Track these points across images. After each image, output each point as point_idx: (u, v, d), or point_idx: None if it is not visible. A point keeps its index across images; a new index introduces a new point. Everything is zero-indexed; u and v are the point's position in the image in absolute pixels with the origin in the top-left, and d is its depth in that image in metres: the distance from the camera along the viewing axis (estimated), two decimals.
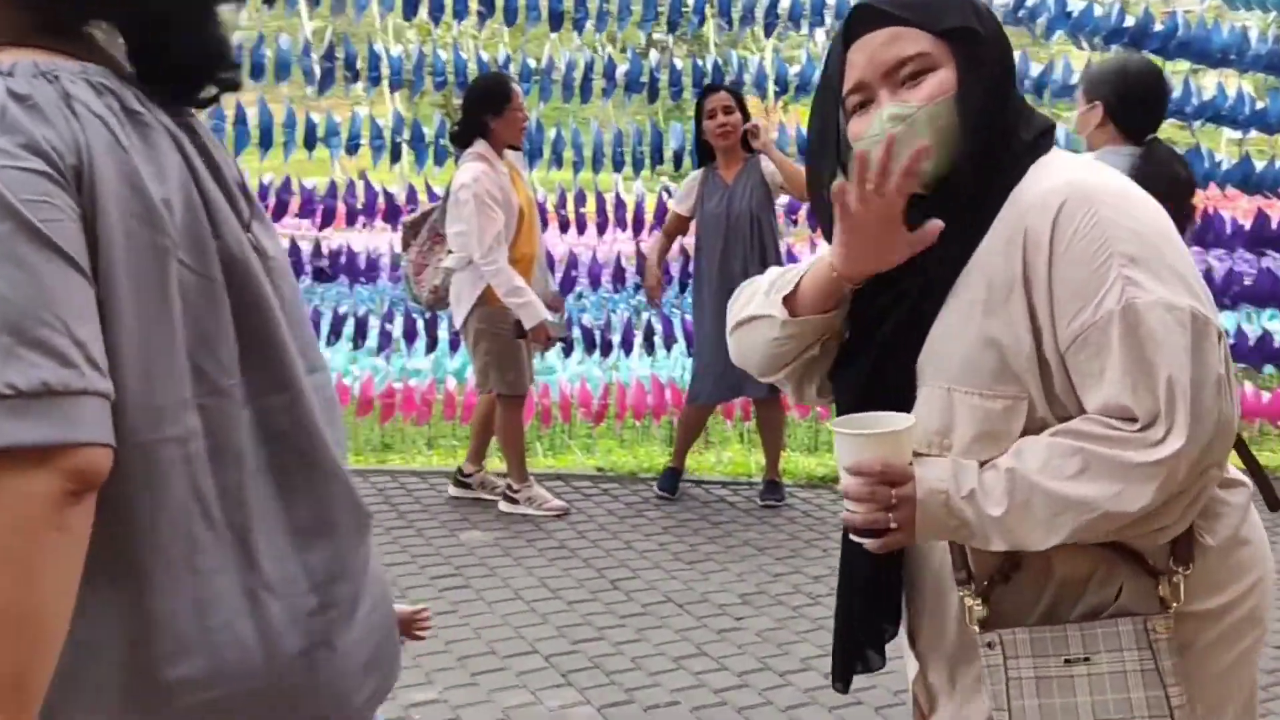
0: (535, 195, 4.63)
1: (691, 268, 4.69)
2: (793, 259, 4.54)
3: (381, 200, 4.93)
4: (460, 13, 4.76)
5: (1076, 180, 1.27)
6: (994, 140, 1.30)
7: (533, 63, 4.89)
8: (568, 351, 5.32)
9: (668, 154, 5.06)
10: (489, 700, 3.00)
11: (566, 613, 3.58)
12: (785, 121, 5.77)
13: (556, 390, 5.39)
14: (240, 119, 4.70)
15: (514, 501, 4.50)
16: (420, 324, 5.14)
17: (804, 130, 4.90)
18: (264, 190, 4.83)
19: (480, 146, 4.21)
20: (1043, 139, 1.34)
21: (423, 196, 4.88)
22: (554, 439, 5.56)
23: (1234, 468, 1.39)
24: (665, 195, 5.05)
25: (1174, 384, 1.19)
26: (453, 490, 4.64)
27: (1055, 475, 1.22)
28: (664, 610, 3.61)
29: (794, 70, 5.02)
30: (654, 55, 5.12)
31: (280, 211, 4.89)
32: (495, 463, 4.79)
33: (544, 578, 3.86)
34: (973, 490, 1.25)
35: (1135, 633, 1.26)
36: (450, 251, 4.23)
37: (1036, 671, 1.28)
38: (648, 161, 5.00)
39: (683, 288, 5.10)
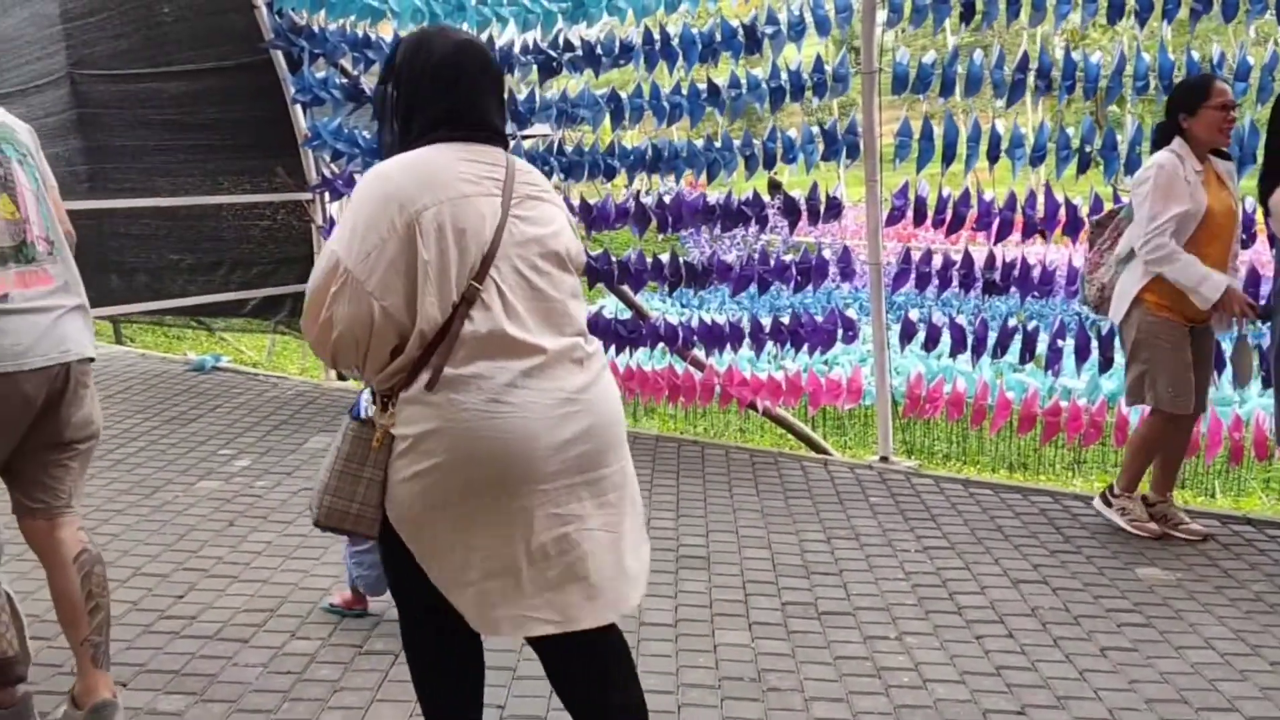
0: (1239, 207, 4.15)
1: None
2: None
3: (1063, 212, 4.78)
4: (1170, 12, 4.42)
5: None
6: (385, 145, 2.25)
7: (1251, 59, 4.38)
8: (1266, 381, 4.69)
9: None
10: None
11: (1270, 674, 3.17)
12: None
13: (1251, 423, 4.78)
14: (926, 134, 4.86)
15: (1107, 504, 4.34)
16: (1095, 342, 4.88)
17: None
18: (943, 203, 4.95)
19: (1176, 144, 4.02)
20: (419, 142, 2.15)
21: (1108, 206, 4.62)
22: (1239, 477, 4.97)
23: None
24: None
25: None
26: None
27: None
28: None
29: None
30: None
31: (957, 224, 4.97)
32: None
33: (1239, 630, 3.45)
34: None
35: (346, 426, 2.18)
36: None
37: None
38: None
39: None
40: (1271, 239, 4.27)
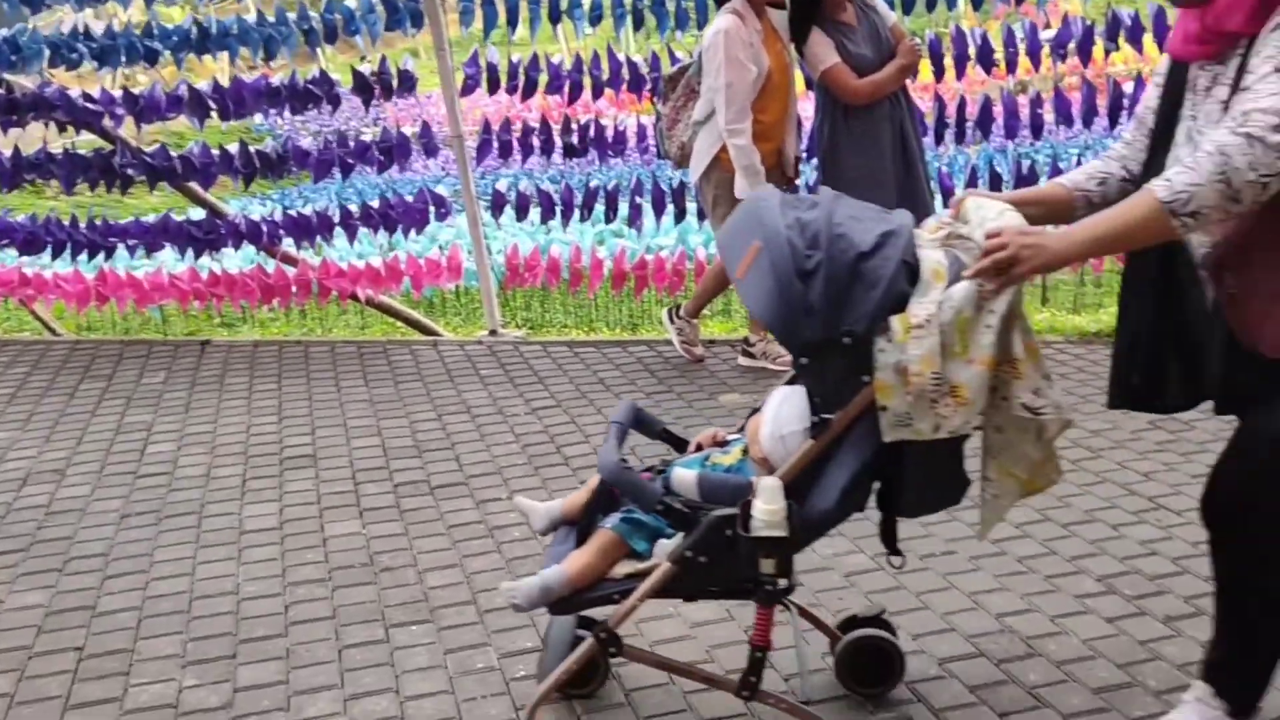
0: (792, 58, 4.44)
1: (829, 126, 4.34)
2: None
3: (626, 71, 4.92)
4: None
5: None
6: None
7: None
8: None
9: None
10: None
11: None
12: None
13: None
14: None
15: (671, 320, 4.81)
16: (669, 196, 5.14)
17: None
18: (514, 69, 4.92)
19: (736, 2, 4.15)
20: None
21: (666, 65, 4.82)
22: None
23: None
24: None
25: None
26: (742, 360, 4.67)
27: None
28: None
29: None
30: None
31: (530, 89, 4.97)
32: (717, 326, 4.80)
33: None
34: None
35: None
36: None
37: None
38: None
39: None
40: (808, 82, 4.64)
